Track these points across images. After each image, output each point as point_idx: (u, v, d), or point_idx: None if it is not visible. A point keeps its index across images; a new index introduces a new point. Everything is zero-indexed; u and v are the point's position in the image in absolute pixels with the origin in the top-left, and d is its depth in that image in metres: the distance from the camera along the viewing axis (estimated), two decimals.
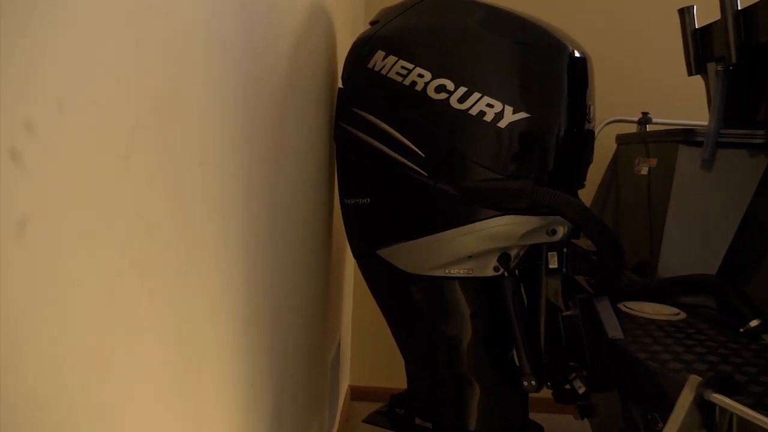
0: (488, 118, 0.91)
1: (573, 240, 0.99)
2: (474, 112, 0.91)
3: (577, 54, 0.94)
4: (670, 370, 0.78)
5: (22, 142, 0.24)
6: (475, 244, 0.97)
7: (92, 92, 0.29)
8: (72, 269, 0.28)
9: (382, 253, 1.07)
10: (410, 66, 0.95)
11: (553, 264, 0.99)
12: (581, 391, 0.94)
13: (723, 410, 0.63)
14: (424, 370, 1.16)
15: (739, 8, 1.10)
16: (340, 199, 1.11)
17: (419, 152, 0.96)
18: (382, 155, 1.00)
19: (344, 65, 1.07)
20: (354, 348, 1.98)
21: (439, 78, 0.93)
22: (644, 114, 1.53)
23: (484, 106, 0.91)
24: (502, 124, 0.91)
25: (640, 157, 1.45)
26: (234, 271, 0.55)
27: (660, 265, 1.21)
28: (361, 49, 1.02)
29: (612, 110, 1.64)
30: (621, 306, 1.02)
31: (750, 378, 0.75)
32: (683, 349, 0.85)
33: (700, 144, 1.17)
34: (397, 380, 1.14)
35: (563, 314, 0.96)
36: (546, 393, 1.03)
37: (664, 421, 0.65)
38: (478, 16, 0.95)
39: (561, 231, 0.95)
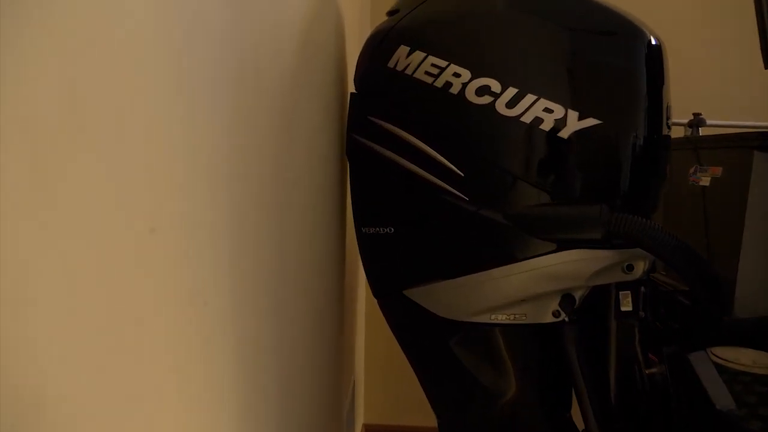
0: (546, 126, 0.71)
1: (652, 275, 0.80)
2: (527, 119, 0.72)
3: (653, 41, 0.74)
4: None
5: None
6: (531, 286, 0.77)
7: None
8: None
9: (410, 293, 0.87)
10: (443, 63, 0.75)
11: (627, 306, 0.79)
12: None
13: None
14: (455, 419, 0.98)
15: None
16: (356, 228, 0.91)
17: (457, 171, 0.76)
18: (408, 174, 0.80)
19: (358, 65, 0.87)
20: (367, 385, 1.78)
21: (481, 77, 0.73)
22: (696, 115, 1.33)
23: (541, 111, 0.71)
24: (565, 133, 0.71)
25: (697, 165, 1.25)
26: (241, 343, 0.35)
27: (738, 295, 1.00)
28: (379, 45, 0.82)
29: None
30: (708, 353, 0.83)
31: None
32: None
33: None
34: (412, 417, 1.00)
35: (646, 372, 0.76)
36: None
37: None
38: None
39: (641, 267, 0.75)
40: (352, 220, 0.91)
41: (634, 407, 0.80)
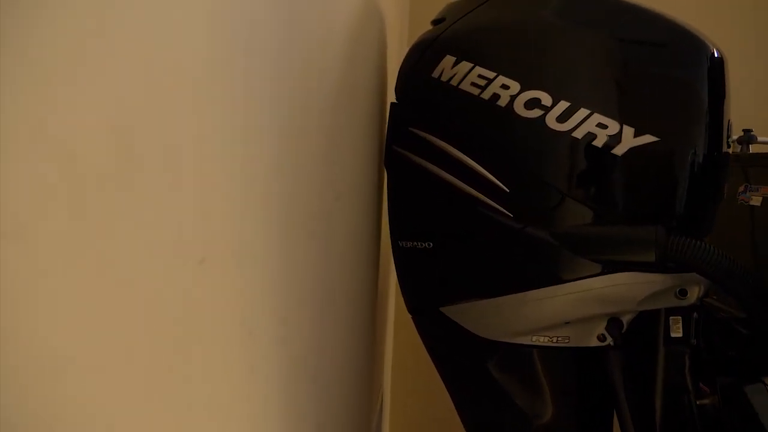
0: (599, 142, 0.68)
1: (705, 300, 0.75)
2: (579, 134, 0.68)
3: (716, 53, 0.71)
4: None
5: None
6: (577, 308, 0.73)
7: None
8: None
9: (447, 311, 0.84)
10: (491, 75, 0.72)
11: (677, 332, 0.75)
12: None
13: None
14: None
15: None
16: (392, 241, 0.89)
17: (502, 186, 0.73)
18: (450, 189, 0.77)
19: (399, 74, 0.84)
20: (394, 394, 1.76)
21: (531, 90, 0.70)
22: (746, 131, 1.28)
23: (594, 126, 0.68)
24: (620, 150, 0.67)
25: (747, 184, 1.20)
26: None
27: None
28: (423, 54, 0.80)
29: None
30: (766, 385, 0.78)
31: None
32: None
33: None
34: (440, 429, 0.97)
35: (697, 402, 0.72)
36: None
37: None
38: (585, 7, 0.72)
39: (695, 293, 0.71)
40: (387, 233, 0.89)
41: None
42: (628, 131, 0.67)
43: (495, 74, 0.72)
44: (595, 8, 0.73)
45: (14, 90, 0.14)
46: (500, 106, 0.71)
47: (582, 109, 0.68)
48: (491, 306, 0.79)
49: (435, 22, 0.84)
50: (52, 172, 0.15)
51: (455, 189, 0.77)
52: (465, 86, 0.74)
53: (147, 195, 0.19)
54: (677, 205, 0.70)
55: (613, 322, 0.74)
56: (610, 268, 0.71)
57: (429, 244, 0.83)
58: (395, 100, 0.85)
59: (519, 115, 0.70)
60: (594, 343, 0.76)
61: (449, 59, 0.76)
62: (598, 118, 0.68)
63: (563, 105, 0.68)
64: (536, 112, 0.70)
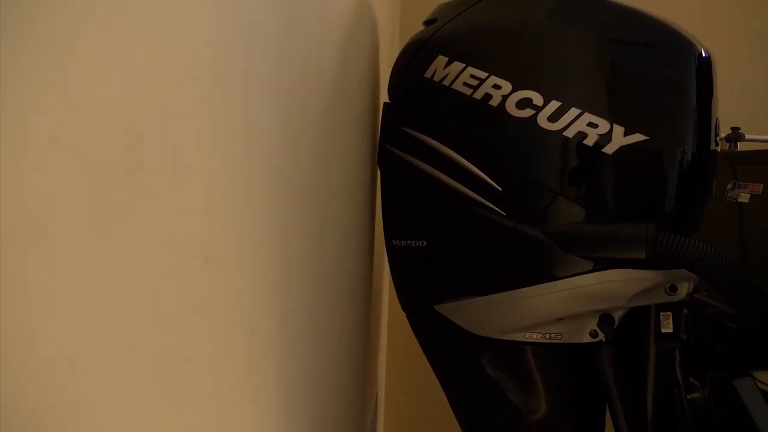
0: (590, 141, 0.69)
1: (695, 296, 0.77)
2: (570, 133, 0.69)
3: (703, 53, 0.72)
4: None
5: None
6: (569, 305, 0.74)
7: None
8: None
9: (441, 309, 0.84)
10: (483, 75, 0.73)
11: (667, 328, 0.76)
12: None
13: None
14: None
15: None
16: (386, 240, 0.89)
17: (494, 185, 0.74)
18: (443, 187, 0.78)
19: (392, 74, 0.85)
20: (388, 393, 1.76)
21: (523, 89, 0.71)
22: (734, 129, 1.29)
23: (585, 125, 0.69)
24: (610, 149, 0.68)
25: (735, 181, 1.21)
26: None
27: None
28: (416, 55, 0.81)
29: None
30: (754, 379, 0.79)
31: None
32: None
33: None
34: (434, 427, 0.98)
35: (688, 396, 0.73)
36: None
37: None
38: (576, 8, 0.73)
39: (685, 288, 0.72)
40: (380, 231, 0.89)
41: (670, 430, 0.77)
42: (618, 130, 0.68)
43: (487, 74, 0.73)
44: (586, 9, 0.74)
45: (32, 91, 0.14)
46: (492, 106, 0.72)
47: (573, 108, 0.69)
48: (485, 303, 0.79)
49: (427, 23, 0.85)
50: (70, 172, 0.15)
51: (448, 188, 0.77)
52: (457, 86, 0.75)
53: (156, 194, 0.19)
54: (667, 202, 0.71)
55: (605, 318, 0.75)
56: (601, 265, 0.72)
57: (422, 243, 0.83)
58: (388, 100, 0.85)
59: (511, 115, 0.71)
60: (586, 339, 0.77)
61: (441, 59, 0.77)
62: (588, 117, 0.68)
63: (554, 105, 0.69)
64: (528, 112, 0.70)
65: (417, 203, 0.83)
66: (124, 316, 0.19)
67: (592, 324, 0.76)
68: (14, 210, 0.14)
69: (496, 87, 0.72)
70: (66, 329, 0.17)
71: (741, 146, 1.30)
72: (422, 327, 0.91)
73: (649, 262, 0.69)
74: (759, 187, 1.13)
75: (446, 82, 0.76)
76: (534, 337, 0.79)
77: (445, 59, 0.76)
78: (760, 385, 0.77)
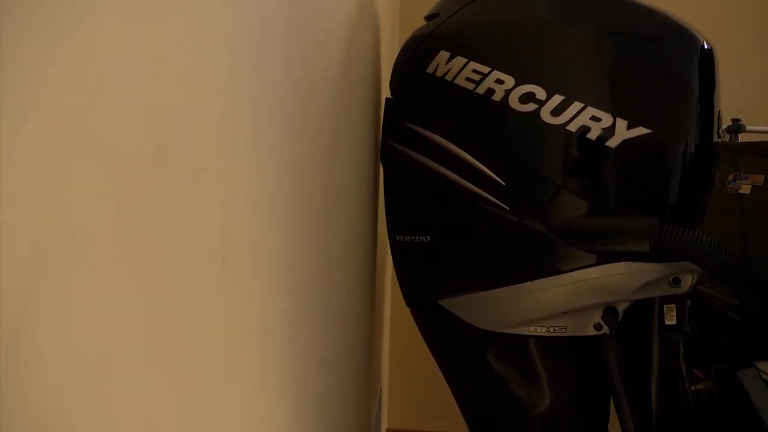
0: (593, 135, 0.69)
1: (699, 288, 0.77)
2: (573, 127, 0.69)
3: (705, 45, 0.72)
4: None
5: None
6: (573, 299, 0.75)
7: None
8: None
9: (446, 303, 0.85)
10: (485, 69, 0.73)
11: (671, 320, 0.77)
12: None
13: None
14: (488, 429, 0.96)
15: None
16: (390, 235, 0.89)
17: (498, 180, 0.74)
18: (446, 183, 0.78)
19: (394, 70, 0.85)
20: (392, 388, 1.77)
21: (525, 84, 0.71)
22: (735, 121, 1.30)
23: (588, 119, 0.69)
24: (613, 143, 0.69)
25: (736, 172, 1.22)
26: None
27: None
28: (418, 50, 0.81)
29: None
30: (758, 370, 0.80)
31: None
32: None
33: None
34: (437, 423, 0.99)
35: (692, 388, 0.73)
36: None
37: None
38: (577, 2, 0.73)
39: (688, 281, 0.72)
40: (383, 227, 0.90)
41: (676, 424, 0.78)
42: (621, 124, 0.68)
43: (489, 69, 0.73)
44: (588, 3, 0.74)
45: (62, 95, 0.14)
46: (495, 101, 0.72)
47: (576, 102, 0.69)
48: (489, 298, 0.80)
49: (428, 18, 0.85)
50: (99, 175, 0.15)
51: (452, 183, 0.77)
52: (460, 81, 0.75)
53: (180, 198, 0.20)
54: (670, 195, 0.71)
55: (609, 311, 0.76)
56: (605, 258, 0.72)
57: (426, 238, 0.84)
58: (390, 96, 0.85)
59: (514, 110, 0.71)
60: (590, 332, 0.77)
61: (444, 54, 0.77)
62: (591, 111, 0.69)
63: (557, 99, 0.69)
64: (531, 106, 0.71)
65: (420, 198, 0.83)
66: (152, 316, 0.20)
67: (596, 317, 0.76)
68: (47, 212, 0.14)
69: (499, 82, 0.72)
70: (99, 329, 0.17)
71: (742, 137, 1.30)
72: (426, 322, 0.92)
73: (653, 255, 0.70)
74: (760, 179, 1.13)
75: (449, 78, 0.76)
76: (538, 330, 0.79)
77: (448, 54, 0.76)
78: (764, 376, 0.78)
